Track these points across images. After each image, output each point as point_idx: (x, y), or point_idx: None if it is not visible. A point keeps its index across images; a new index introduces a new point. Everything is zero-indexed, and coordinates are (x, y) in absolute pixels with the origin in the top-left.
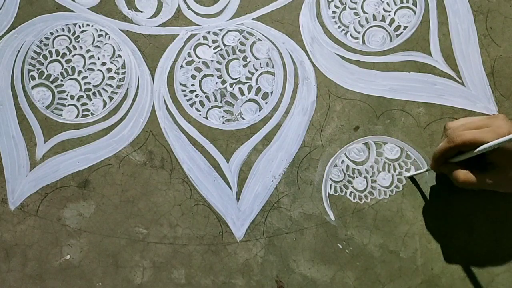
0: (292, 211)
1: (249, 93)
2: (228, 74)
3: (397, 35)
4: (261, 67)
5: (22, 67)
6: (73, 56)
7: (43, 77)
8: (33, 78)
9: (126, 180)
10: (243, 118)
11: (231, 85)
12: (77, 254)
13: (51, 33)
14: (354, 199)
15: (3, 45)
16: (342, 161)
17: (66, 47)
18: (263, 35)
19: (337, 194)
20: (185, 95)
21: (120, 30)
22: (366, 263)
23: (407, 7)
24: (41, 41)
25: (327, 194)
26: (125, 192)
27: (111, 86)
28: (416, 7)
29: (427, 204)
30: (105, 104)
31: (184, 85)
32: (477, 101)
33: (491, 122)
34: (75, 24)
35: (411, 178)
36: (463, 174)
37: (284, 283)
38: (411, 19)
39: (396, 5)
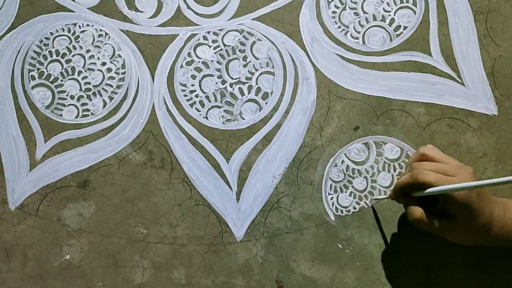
0: (292, 211)
1: (249, 93)
2: (228, 74)
3: (397, 35)
4: (261, 67)
5: (22, 67)
6: (73, 56)
7: (43, 77)
8: (33, 78)
9: (126, 180)
10: (243, 118)
11: (231, 85)
12: (77, 254)
13: (51, 33)
14: (354, 199)
15: (3, 45)
16: (342, 161)
17: (66, 47)
18: (263, 35)
19: (337, 194)
20: (185, 95)
21: (120, 30)
22: (366, 263)
23: (407, 7)
24: (41, 41)
25: (327, 194)
26: (125, 192)
27: (111, 86)
28: (416, 7)
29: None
30: (105, 104)
31: (184, 85)
32: (477, 101)
33: (459, 172)
34: (75, 24)
35: (373, 207)
36: (417, 212)
37: (284, 283)
38: (411, 19)
39: (396, 5)
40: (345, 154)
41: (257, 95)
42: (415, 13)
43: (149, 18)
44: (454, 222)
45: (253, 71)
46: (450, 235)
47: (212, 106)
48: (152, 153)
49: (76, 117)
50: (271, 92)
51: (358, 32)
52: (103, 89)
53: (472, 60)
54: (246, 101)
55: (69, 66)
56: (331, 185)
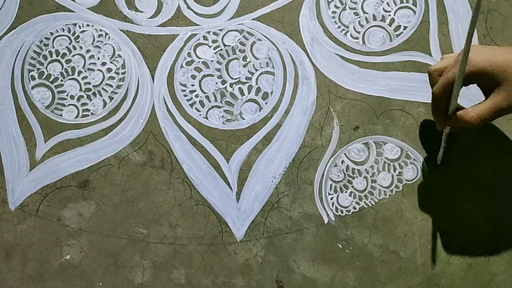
0: (292, 211)
1: (249, 93)
2: (228, 74)
3: (397, 35)
4: (261, 67)
5: (22, 67)
6: (73, 56)
7: (43, 77)
8: (33, 78)
9: (126, 180)
10: (243, 118)
11: (231, 85)
12: (77, 254)
13: (51, 33)
14: (354, 199)
15: (3, 45)
16: (342, 161)
17: (66, 47)
18: (263, 35)
19: (337, 194)
20: (185, 95)
21: (120, 30)
22: (366, 263)
23: (407, 7)
24: (41, 41)
25: (327, 194)
26: (125, 192)
27: (111, 86)
28: (416, 7)
29: (427, 204)
30: (105, 104)
31: (184, 85)
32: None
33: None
34: (75, 24)
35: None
36: (472, 111)
37: (284, 283)
38: (411, 19)
39: (396, 5)
40: (345, 154)
41: (257, 95)
42: (415, 13)
43: (149, 18)
44: (500, 86)
45: (253, 71)
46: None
47: (212, 106)
48: (152, 153)
49: (76, 117)
50: (271, 92)
51: (358, 32)
52: (103, 89)
53: None
54: (246, 101)
55: (69, 66)
56: (331, 185)
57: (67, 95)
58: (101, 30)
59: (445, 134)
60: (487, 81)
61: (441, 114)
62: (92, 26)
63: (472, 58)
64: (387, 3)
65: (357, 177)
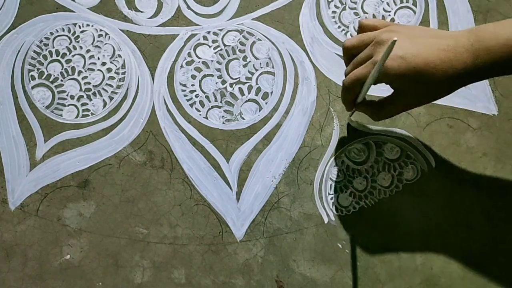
0: (292, 211)
1: (249, 93)
2: (228, 74)
3: None
4: (261, 67)
5: (22, 67)
6: (73, 56)
7: (43, 77)
8: (33, 78)
9: (126, 180)
10: (243, 118)
11: (231, 85)
12: (77, 254)
13: (51, 33)
14: (354, 199)
15: (3, 45)
16: (342, 161)
17: (66, 47)
18: (263, 35)
19: (337, 194)
20: (185, 95)
21: (120, 30)
22: (366, 263)
23: (407, 7)
24: (41, 41)
25: (327, 194)
26: (125, 192)
27: (111, 86)
28: (416, 7)
29: (427, 204)
30: (105, 104)
31: (184, 85)
32: (477, 101)
33: (374, 51)
34: (75, 24)
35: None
36: (378, 111)
37: (284, 283)
38: (411, 19)
39: (396, 5)
40: (345, 154)
41: (257, 95)
42: (415, 13)
43: (149, 18)
44: (402, 93)
45: (253, 71)
46: (415, 99)
47: (212, 106)
48: (152, 153)
49: (76, 117)
50: (271, 92)
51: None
52: (103, 89)
53: None
54: (246, 101)
55: (69, 66)
56: (331, 185)
57: (67, 95)
58: (101, 30)
59: (349, 118)
60: (393, 85)
61: (349, 103)
62: (92, 26)
63: (385, 65)
64: (387, 3)
65: (357, 177)
